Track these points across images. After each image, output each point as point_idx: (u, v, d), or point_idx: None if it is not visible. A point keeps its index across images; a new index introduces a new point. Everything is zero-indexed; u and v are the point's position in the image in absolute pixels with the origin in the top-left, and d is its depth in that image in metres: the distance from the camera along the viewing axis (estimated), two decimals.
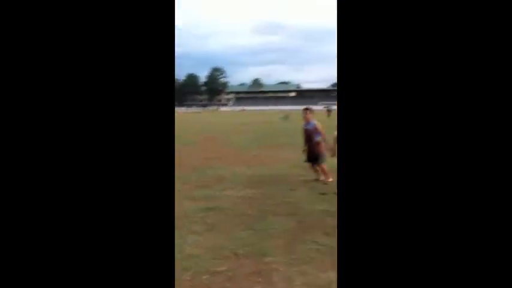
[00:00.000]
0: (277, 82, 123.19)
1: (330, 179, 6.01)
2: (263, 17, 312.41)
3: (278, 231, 3.81)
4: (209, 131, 16.80)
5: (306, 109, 6.54)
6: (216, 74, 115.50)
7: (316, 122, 6.39)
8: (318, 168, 6.31)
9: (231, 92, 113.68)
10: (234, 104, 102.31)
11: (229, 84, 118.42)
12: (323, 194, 5.35)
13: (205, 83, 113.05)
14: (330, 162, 5.91)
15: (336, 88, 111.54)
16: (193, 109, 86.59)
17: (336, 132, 5.56)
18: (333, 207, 4.64)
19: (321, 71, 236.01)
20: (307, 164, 6.52)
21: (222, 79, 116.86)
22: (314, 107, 8.81)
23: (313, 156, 6.29)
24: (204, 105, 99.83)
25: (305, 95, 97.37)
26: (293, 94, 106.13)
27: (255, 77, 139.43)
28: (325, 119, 21.12)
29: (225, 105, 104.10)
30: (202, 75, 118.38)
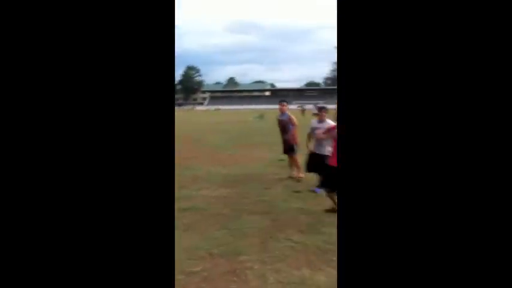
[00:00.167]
0: (253, 81, 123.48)
1: (301, 175, 6.14)
2: (238, 16, 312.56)
3: (253, 230, 3.85)
4: (185, 131, 16.65)
5: (282, 101, 6.81)
6: (191, 72, 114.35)
7: (289, 113, 6.58)
8: (292, 161, 6.47)
9: (207, 91, 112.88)
10: (209, 103, 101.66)
11: (205, 83, 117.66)
12: (297, 192, 5.44)
13: (180, 82, 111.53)
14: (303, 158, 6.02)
15: (309, 88, 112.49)
16: None
17: (308, 130, 5.72)
18: (307, 204, 4.73)
19: (295, 70, 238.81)
20: (284, 161, 6.66)
21: (197, 78, 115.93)
22: (290, 106, 8.95)
23: (287, 147, 6.50)
24: (180, 104, 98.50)
25: (280, 94, 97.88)
26: (268, 93, 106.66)
27: (231, 75, 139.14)
28: (300, 117, 21.37)
29: (201, 104, 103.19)
30: (177, 74, 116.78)
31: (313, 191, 5.36)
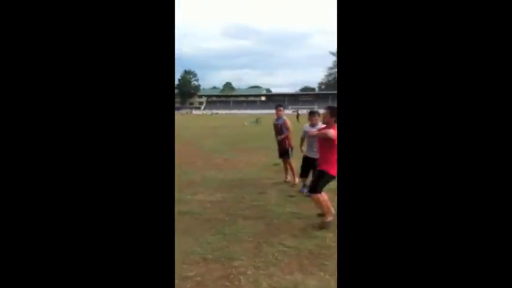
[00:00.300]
0: (249, 86, 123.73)
1: (297, 180, 6.19)
2: (233, 20, 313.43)
3: (247, 234, 3.87)
4: (181, 135, 16.64)
5: (278, 106, 6.83)
6: (188, 76, 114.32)
7: (285, 118, 6.64)
8: (287, 165, 6.53)
9: (203, 96, 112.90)
10: (205, 108, 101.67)
11: (201, 88, 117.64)
12: (291, 196, 5.48)
13: (177, 86, 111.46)
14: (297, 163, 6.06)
15: (304, 93, 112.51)
16: None
17: (302, 134, 5.79)
18: (301, 209, 4.77)
19: (290, 75, 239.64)
20: (278, 165, 6.70)
21: (194, 82, 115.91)
22: (286, 111, 9.01)
23: (282, 151, 6.58)
24: (177, 109, 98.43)
25: (275, 99, 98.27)
26: (263, 98, 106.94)
27: (226, 80, 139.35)
28: (295, 122, 21.44)
29: (198, 108, 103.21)
30: (175, 78, 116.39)
31: (302, 192, 5.58)
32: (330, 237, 3.73)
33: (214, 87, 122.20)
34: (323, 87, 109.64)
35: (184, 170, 7.81)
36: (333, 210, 4.39)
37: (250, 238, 3.77)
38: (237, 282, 2.85)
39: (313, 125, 5.53)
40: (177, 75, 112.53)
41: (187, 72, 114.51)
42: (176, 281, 2.85)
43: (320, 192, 4.09)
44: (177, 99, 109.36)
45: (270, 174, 7.28)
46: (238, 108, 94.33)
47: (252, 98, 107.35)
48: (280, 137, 6.54)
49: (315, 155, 5.16)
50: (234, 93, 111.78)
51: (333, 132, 3.98)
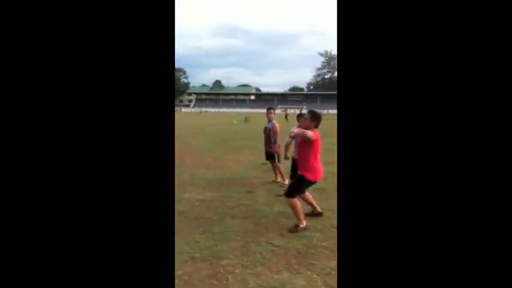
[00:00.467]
0: (238, 85, 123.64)
1: (286, 181, 6.21)
2: (224, 20, 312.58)
3: (235, 233, 3.88)
4: None
5: (270, 108, 6.81)
6: (177, 74, 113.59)
7: (275, 122, 6.61)
8: (274, 167, 6.55)
9: (193, 93, 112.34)
10: (195, 106, 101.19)
11: (191, 85, 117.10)
12: (279, 195, 5.48)
13: None
14: (287, 164, 6.09)
15: (293, 93, 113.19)
16: None
17: (288, 139, 5.79)
18: (289, 208, 4.78)
19: (279, 75, 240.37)
20: (267, 164, 6.71)
21: (183, 79, 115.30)
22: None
23: (268, 155, 6.62)
24: None
25: (264, 99, 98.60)
26: (253, 97, 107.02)
27: (216, 78, 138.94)
28: (284, 122, 21.52)
29: (187, 106, 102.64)
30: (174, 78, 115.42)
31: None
32: (318, 237, 3.77)
33: (203, 85, 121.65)
34: (311, 87, 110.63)
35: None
36: (319, 208, 4.45)
37: (238, 237, 3.79)
38: (224, 281, 2.86)
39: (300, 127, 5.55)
40: None
41: (176, 70, 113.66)
42: None
43: (295, 197, 4.06)
44: None
45: (258, 174, 7.29)
46: (228, 107, 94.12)
47: (242, 97, 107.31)
48: (269, 143, 6.52)
49: None
50: (223, 91, 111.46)
51: (311, 133, 3.97)
